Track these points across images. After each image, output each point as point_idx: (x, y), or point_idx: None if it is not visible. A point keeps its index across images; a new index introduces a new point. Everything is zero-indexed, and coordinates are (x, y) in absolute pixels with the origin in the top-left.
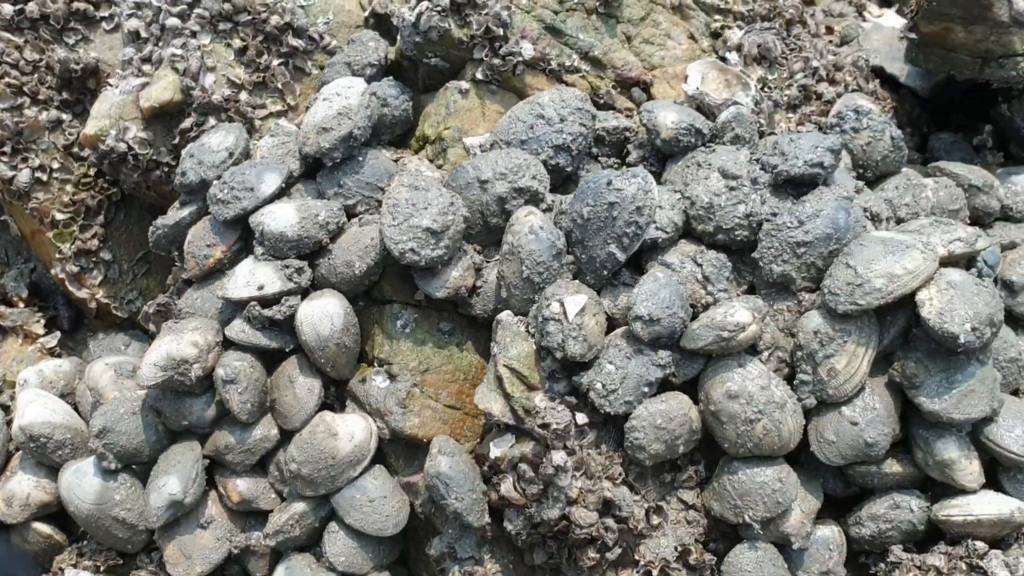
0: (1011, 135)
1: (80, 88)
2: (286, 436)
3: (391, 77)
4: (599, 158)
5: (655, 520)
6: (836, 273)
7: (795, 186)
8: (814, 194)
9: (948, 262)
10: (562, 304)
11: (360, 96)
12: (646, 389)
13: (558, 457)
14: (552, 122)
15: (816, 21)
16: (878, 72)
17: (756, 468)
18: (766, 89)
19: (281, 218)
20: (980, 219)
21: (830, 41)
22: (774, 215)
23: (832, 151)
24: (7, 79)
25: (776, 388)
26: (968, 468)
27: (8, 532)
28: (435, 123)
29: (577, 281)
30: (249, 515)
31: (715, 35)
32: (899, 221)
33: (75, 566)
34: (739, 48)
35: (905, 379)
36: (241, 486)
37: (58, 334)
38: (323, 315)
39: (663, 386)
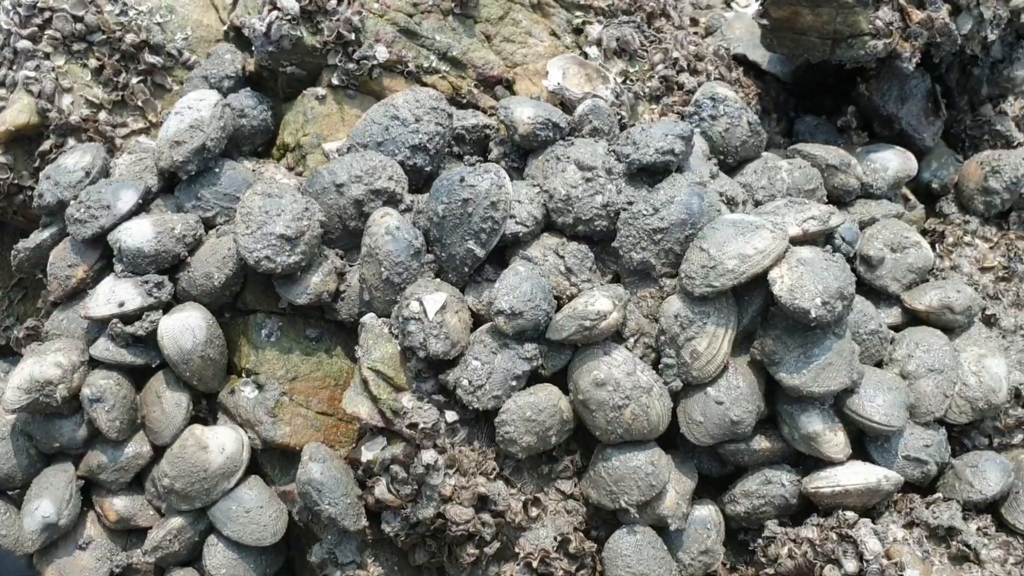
0: (872, 114)
1: None
2: (159, 452)
3: (249, 88)
4: (463, 157)
5: (533, 512)
6: (691, 257)
7: (649, 174)
8: (668, 181)
9: (805, 240)
10: (421, 303)
11: (212, 108)
12: (514, 383)
13: (428, 456)
14: (407, 123)
15: (680, 13)
16: (741, 60)
17: (628, 453)
18: (628, 82)
19: (137, 234)
20: (840, 197)
21: (695, 32)
22: (630, 204)
23: (683, 138)
24: None
25: (642, 373)
26: (833, 440)
27: None
28: (294, 131)
29: (438, 280)
30: (129, 533)
31: (577, 31)
32: (757, 204)
33: None
34: (599, 42)
35: (765, 356)
36: (118, 504)
37: None
38: (184, 328)
39: (532, 379)
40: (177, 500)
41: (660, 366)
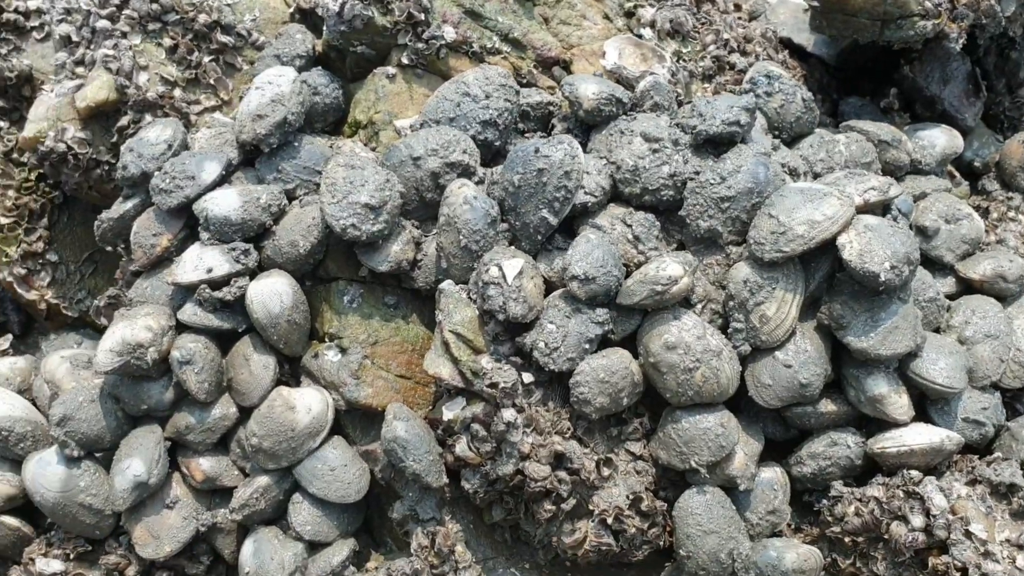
0: (915, 96)
1: (15, 96)
2: (244, 413)
3: (320, 67)
4: (525, 133)
5: (605, 471)
6: (760, 224)
7: (714, 145)
8: (734, 151)
9: (864, 210)
10: (500, 268)
11: (291, 83)
12: (587, 346)
13: (508, 414)
14: (478, 99)
15: None
16: (786, 43)
17: (698, 415)
18: (681, 61)
19: (224, 203)
20: (891, 172)
21: (738, 16)
22: (697, 173)
23: (747, 110)
24: None
25: (711, 337)
26: (898, 402)
27: None
28: (365, 108)
29: (513, 247)
30: (214, 493)
31: (629, 14)
32: (815, 176)
33: (45, 555)
34: (652, 24)
35: (833, 321)
36: (204, 464)
37: (10, 337)
38: (272, 293)
39: (603, 343)
40: (264, 459)
41: (729, 330)
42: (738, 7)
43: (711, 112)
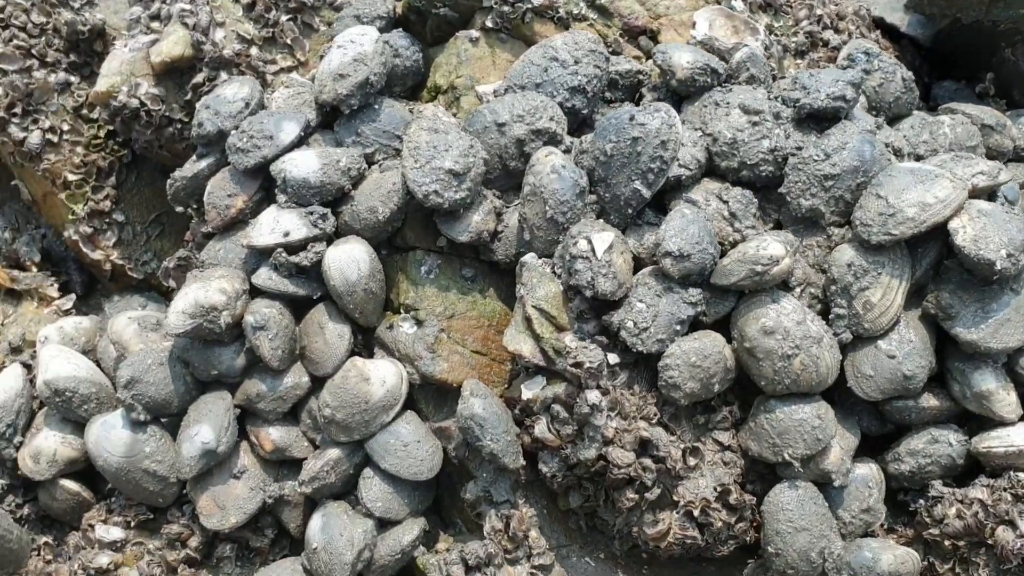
0: (1015, 81)
1: (87, 50)
2: (317, 383)
3: (400, 29)
4: (612, 103)
5: (692, 461)
6: (867, 204)
7: (817, 120)
8: (838, 127)
9: (971, 195)
10: (590, 241)
11: (374, 43)
12: (678, 327)
13: (593, 396)
14: (566, 64)
15: None
16: (878, 23)
17: (794, 405)
18: (773, 35)
19: (303, 164)
20: (994, 159)
21: None
22: (799, 149)
23: (853, 84)
24: (15, 42)
25: (812, 323)
26: (1006, 399)
27: (36, 490)
28: (447, 72)
29: (601, 220)
30: (281, 464)
31: None
32: (918, 159)
33: (105, 522)
34: None
35: (940, 310)
36: (274, 434)
37: (73, 297)
38: (351, 260)
39: (693, 325)
40: (336, 431)
41: (830, 316)
42: None
43: (815, 85)
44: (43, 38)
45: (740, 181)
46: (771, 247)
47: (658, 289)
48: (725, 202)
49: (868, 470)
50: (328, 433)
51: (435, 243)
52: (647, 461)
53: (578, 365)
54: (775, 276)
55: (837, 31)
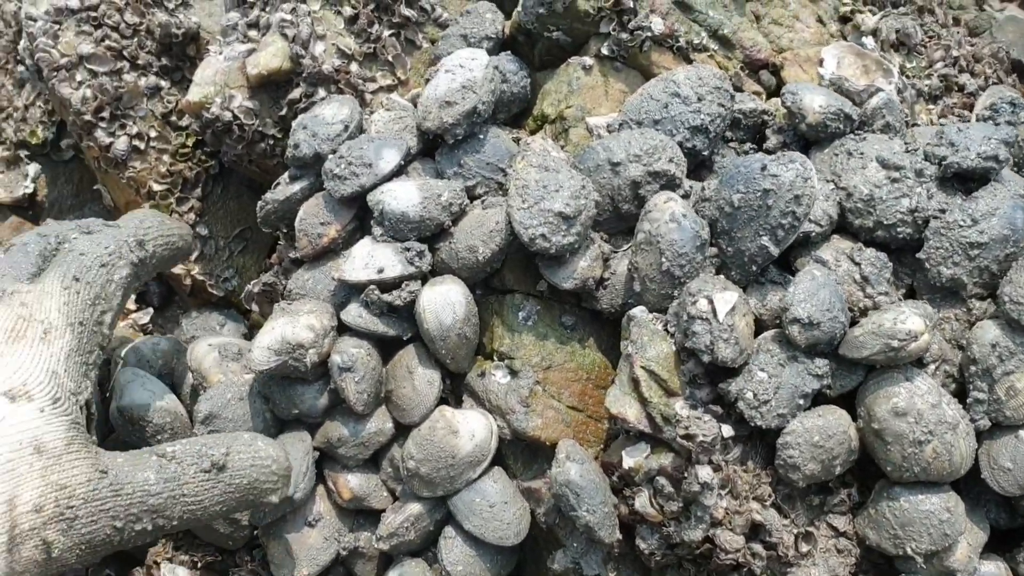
0: None
1: (179, 54)
2: (401, 430)
3: (509, 52)
4: (731, 143)
5: (804, 548)
6: (1017, 279)
7: (962, 181)
8: (987, 190)
9: None
10: (711, 302)
11: (484, 69)
12: (801, 401)
13: (704, 473)
14: (689, 101)
15: (943, 10)
16: (1015, 65)
17: (921, 495)
18: (905, 76)
19: (403, 197)
20: None
21: (959, 31)
22: (943, 212)
23: (1006, 143)
24: (107, 42)
25: (948, 406)
26: None
27: None
28: (555, 101)
29: (722, 276)
30: (357, 514)
31: (844, 19)
32: None
33: (171, 560)
34: (875, 32)
35: None
36: (353, 482)
37: (151, 310)
38: (446, 303)
39: (815, 399)
40: (419, 485)
41: (968, 400)
42: (957, 21)
43: (964, 143)
44: (135, 39)
45: (873, 241)
46: (910, 321)
47: (782, 358)
48: (857, 264)
49: (996, 568)
50: (410, 486)
51: (535, 287)
52: (757, 547)
53: (689, 437)
54: (912, 353)
55: (973, 74)
